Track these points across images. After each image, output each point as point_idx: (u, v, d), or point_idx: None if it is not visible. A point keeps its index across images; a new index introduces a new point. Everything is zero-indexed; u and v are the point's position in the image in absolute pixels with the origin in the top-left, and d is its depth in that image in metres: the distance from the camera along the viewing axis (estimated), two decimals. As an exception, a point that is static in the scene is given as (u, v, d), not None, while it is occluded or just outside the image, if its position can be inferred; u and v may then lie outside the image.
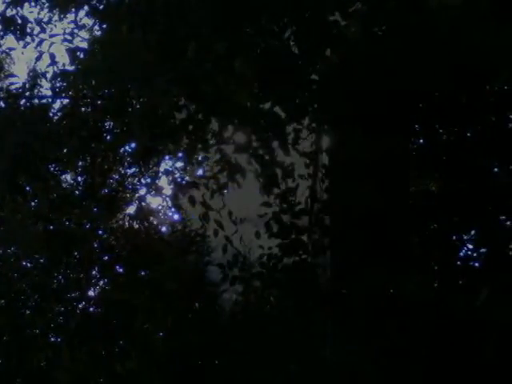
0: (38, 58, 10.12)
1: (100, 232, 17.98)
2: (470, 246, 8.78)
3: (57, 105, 11.90)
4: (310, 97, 8.31)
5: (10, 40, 10.51)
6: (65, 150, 12.30)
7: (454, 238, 8.83)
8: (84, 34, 10.79)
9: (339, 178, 8.49)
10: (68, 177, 16.79)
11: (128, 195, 17.54)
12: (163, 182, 17.31)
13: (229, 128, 8.39)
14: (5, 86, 12.81)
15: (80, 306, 18.12)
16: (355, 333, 8.28)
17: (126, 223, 17.99)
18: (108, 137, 11.58)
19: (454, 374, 7.99)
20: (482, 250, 8.72)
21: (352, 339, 8.33)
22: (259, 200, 8.60)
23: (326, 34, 8.10)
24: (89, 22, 10.56)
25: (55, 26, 12.05)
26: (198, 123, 8.44)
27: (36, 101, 11.77)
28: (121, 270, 18.06)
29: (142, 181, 17.31)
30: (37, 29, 10.91)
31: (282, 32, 8.17)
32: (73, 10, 9.78)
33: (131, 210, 17.97)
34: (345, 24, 8.14)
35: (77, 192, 16.82)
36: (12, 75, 13.87)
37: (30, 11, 11.54)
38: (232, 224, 8.74)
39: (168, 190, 17.21)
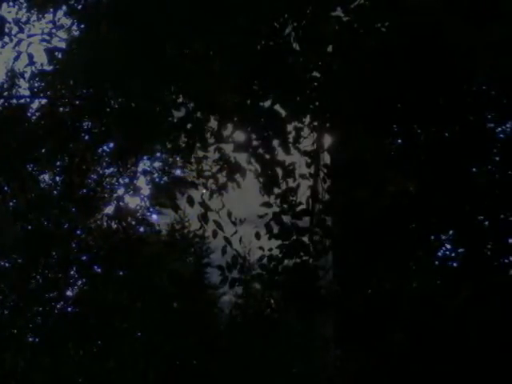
0: (16, 58, 10.05)
1: (78, 232, 17.95)
2: (449, 246, 8.75)
3: (35, 105, 11.84)
4: (311, 95, 8.13)
5: (-13, 40, 10.36)
6: (43, 150, 12.15)
7: (433, 238, 8.79)
8: (62, 33, 10.62)
9: (341, 178, 8.33)
10: (46, 177, 16.73)
11: (106, 195, 17.49)
12: (141, 182, 17.30)
13: (228, 126, 8.21)
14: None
15: (58, 306, 18.14)
16: (357, 336, 8.19)
17: (104, 223, 17.96)
18: (86, 137, 11.46)
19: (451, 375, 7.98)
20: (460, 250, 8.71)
21: (354, 342, 8.24)
22: (259, 200, 8.42)
23: (327, 30, 7.93)
24: (67, 21, 10.45)
25: (33, 25, 12.00)
26: (196, 121, 8.23)
27: (14, 101, 11.63)
28: (99, 270, 18.07)
29: (120, 181, 17.28)
30: (15, 29, 10.83)
31: (283, 28, 8.01)
32: (51, 9, 9.65)
33: (109, 210, 18.00)
34: (347, 20, 8.00)
35: (55, 192, 16.72)
36: (-10, 75, 13.60)
37: (8, 11, 11.46)
38: (231, 225, 8.54)
39: (146, 190, 17.33)
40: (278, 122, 8.06)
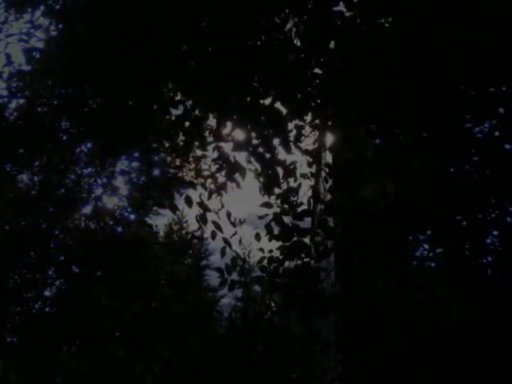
0: (-6, 59, 9.84)
1: (56, 232, 17.80)
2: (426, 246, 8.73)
3: (13, 105, 11.71)
4: (312, 92, 7.97)
5: (-35, 40, 10.18)
6: (21, 150, 12.02)
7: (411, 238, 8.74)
8: (40, 34, 10.46)
9: (343, 178, 8.18)
10: (24, 177, 16.58)
11: (84, 195, 17.39)
12: (119, 182, 17.27)
13: (227, 125, 8.03)
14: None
15: (36, 305, 17.98)
16: (360, 339, 8.08)
17: (82, 223, 17.83)
18: (64, 137, 11.37)
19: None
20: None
21: (356, 346, 8.13)
22: (259, 200, 8.23)
23: (329, 25, 7.78)
24: (45, 22, 10.27)
25: (11, 26, 11.81)
26: (194, 119, 8.08)
27: (-8, 101, 11.44)
28: (77, 269, 17.97)
29: (99, 181, 17.20)
30: (-8, 29, 10.65)
31: (284, 24, 7.85)
32: (29, 9, 9.49)
33: (87, 209, 17.92)
34: (349, 15, 7.86)
35: (33, 192, 16.55)
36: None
37: (-15, 11, 11.27)
38: (231, 226, 8.31)
39: (124, 190, 17.29)
40: (279, 120, 7.88)
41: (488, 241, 8.85)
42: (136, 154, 14.71)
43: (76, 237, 17.47)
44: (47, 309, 18.26)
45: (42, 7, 9.22)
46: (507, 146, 8.73)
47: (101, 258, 16.25)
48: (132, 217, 17.97)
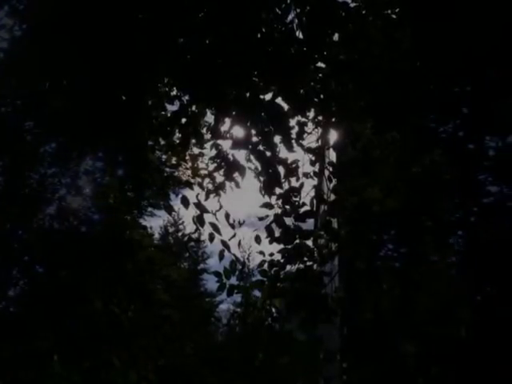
0: (-42, 59, 9.67)
1: (20, 232, 17.77)
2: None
3: None
4: (315, 87, 7.69)
5: None
6: None
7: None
8: (4, 33, 10.28)
9: (348, 177, 7.93)
10: None
11: (49, 195, 17.38)
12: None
13: (226, 121, 7.75)
14: None
15: (0, 305, 18.02)
16: (365, 347, 7.84)
17: (47, 223, 17.78)
18: (28, 137, 11.33)
19: None
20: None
21: (361, 354, 7.88)
22: (259, 201, 7.99)
23: (333, 16, 7.49)
24: (9, 22, 10.11)
25: None
26: (191, 116, 7.82)
27: (-45, 101, 11.39)
28: (41, 269, 18.00)
29: (63, 181, 17.24)
30: (-44, 29, 10.48)
31: (285, 15, 7.57)
32: None
33: (52, 210, 17.96)
34: (355, 6, 7.64)
35: None
36: None
37: None
38: (229, 227, 8.11)
39: (88, 190, 17.32)
40: (280, 117, 7.57)
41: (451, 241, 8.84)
42: (100, 154, 14.69)
43: (40, 237, 17.51)
44: (11, 308, 18.44)
45: (6, 7, 9.02)
46: (471, 146, 8.72)
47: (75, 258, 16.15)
48: (96, 217, 18.01)
